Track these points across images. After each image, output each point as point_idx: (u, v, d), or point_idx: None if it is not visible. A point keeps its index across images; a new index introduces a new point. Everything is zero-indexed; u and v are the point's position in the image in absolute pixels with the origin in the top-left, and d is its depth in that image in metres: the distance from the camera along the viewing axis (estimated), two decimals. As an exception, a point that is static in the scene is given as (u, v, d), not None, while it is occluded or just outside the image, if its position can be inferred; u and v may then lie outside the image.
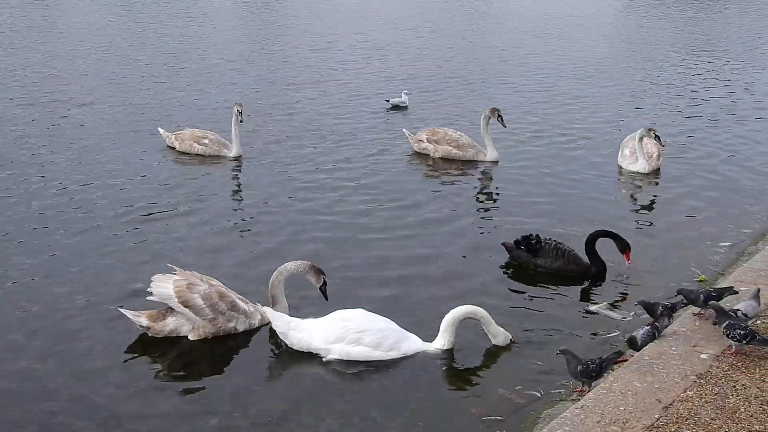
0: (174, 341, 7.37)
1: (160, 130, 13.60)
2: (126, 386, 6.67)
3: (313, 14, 32.90)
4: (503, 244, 9.33)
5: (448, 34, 28.23)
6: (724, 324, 6.47)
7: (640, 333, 6.76)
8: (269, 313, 7.33)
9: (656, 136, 12.75)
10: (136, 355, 7.18)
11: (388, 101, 16.93)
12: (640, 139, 12.73)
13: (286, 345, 7.23)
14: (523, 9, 36.52)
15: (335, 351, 7.08)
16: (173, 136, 13.42)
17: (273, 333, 7.40)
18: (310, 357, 7.12)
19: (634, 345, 6.73)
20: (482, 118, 13.30)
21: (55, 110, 15.69)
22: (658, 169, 12.83)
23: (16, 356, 7.06)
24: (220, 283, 7.67)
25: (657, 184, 12.46)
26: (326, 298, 7.84)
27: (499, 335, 7.35)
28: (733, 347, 6.49)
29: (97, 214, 10.38)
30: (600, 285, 8.77)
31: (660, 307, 7.07)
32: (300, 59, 22.35)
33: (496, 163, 13.20)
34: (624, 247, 8.94)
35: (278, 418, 6.26)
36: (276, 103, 17.00)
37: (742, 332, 6.36)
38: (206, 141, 13.20)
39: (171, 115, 15.65)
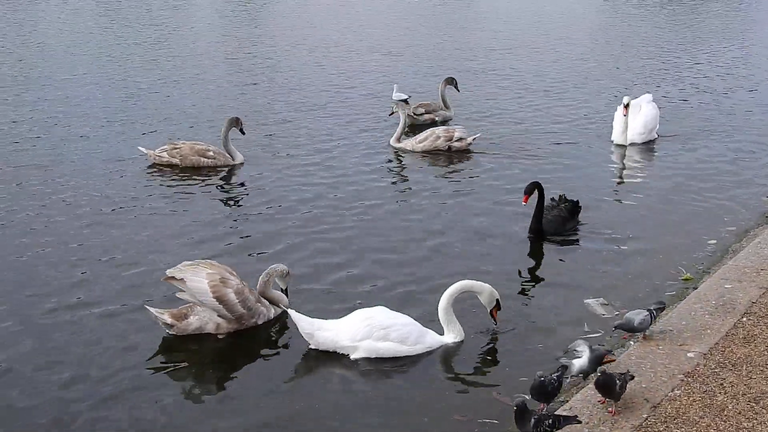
0: (199, 336, 7.39)
1: (142, 149, 12.71)
2: (147, 385, 6.73)
3: (308, 16, 32.83)
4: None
5: (442, 31, 28.21)
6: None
7: (640, 317, 6.70)
8: (294, 315, 7.28)
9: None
10: (156, 350, 7.25)
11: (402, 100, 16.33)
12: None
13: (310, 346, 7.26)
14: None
15: (362, 349, 7.13)
16: (166, 153, 12.59)
17: (292, 326, 7.44)
18: (330, 354, 7.18)
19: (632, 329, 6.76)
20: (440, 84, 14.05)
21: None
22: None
23: (36, 357, 7.09)
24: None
25: (642, 181, 12.53)
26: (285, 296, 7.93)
27: (485, 291, 7.54)
28: None
29: (104, 221, 10.35)
30: (596, 277, 8.85)
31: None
32: (287, 62, 22.26)
33: None
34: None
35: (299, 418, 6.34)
36: (261, 108, 16.93)
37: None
38: (211, 153, 12.75)
39: (154, 131, 14.91)
